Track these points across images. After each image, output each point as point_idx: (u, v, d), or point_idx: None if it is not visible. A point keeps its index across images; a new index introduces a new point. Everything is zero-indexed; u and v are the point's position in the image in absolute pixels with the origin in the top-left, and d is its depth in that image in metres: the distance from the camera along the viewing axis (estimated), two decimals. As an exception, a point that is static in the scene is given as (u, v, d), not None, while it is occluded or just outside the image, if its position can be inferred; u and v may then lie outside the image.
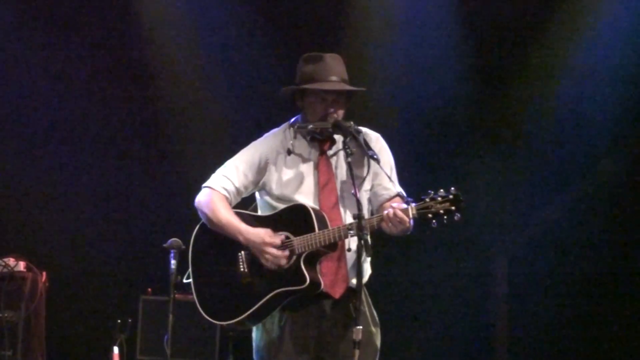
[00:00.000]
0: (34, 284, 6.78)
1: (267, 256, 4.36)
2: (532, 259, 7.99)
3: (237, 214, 4.50)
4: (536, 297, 8.02)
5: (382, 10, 7.65)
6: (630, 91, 7.62)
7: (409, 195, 4.39)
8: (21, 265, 6.81)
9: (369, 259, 4.48)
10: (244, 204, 4.63)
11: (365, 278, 4.50)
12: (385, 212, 4.26)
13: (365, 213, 4.44)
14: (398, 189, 4.48)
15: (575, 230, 7.83)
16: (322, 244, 4.31)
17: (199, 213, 4.54)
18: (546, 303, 7.99)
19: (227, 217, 4.45)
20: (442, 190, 4.23)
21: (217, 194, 4.50)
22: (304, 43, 7.27)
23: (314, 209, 4.38)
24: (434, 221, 4.20)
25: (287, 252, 4.35)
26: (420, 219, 4.23)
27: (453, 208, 4.19)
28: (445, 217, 4.19)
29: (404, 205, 4.26)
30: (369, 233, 4.21)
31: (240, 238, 4.41)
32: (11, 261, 6.78)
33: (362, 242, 4.14)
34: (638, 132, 7.76)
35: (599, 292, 7.87)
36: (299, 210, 4.38)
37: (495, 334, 8.11)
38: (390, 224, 4.24)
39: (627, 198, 7.77)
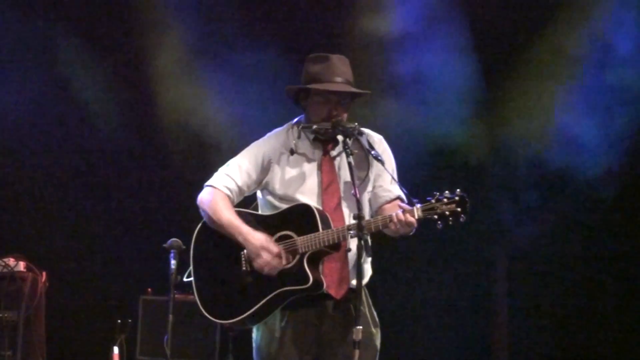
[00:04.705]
0: (34, 284, 6.77)
1: (261, 261, 4.35)
2: (532, 259, 7.99)
3: (239, 213, 4.49)
4: (536, 297, 8.02)
5: (383, 12, 7.65)
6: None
7: (411, 196, 4.39)
8: (21, 265, 6.80)
9: (369, 260, 4.48)
10: (246, 203, 4.63)
11: (366, 279, 4.51)
12: (393, 213, 4.25)
13: (367, 214, 4.45)
14: (398, 191, 4.48)
15: (575, 230, 7.82)
16: (326, 244, 4.31)
17: (201, 211, 4.54)
18: (546, 303, 7.99)
19: (228, 217, 4.45)
20: (447, 191, 4.23)
21: (219, 192, 4.50)
22: (307, 44, 7.27)
23: (317, 209, 4.37)
24: (439, 222, 4.21)
25: (283, 261, 4.35)
26: (426, 220, 4.23)
27: (459, 210, 4.19)
28: (450, 218, 4.20)
29: (409, 207, 4.25)
30: (369, 233, 4.21)
31: (240, 239, 4.40)
32: (11, 261, 6.78)
33: (362, 242, 4.14)
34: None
35: (599, 291, 7.87)
36: (302, 210, 4.38)
37: (495, 334, 8.11)
38: (399, 226, 4.24)
39: (628, 197, 7.76)
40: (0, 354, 6.63)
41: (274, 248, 4.36)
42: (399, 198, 4.46)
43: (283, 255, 4.38)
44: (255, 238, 4.38)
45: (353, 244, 4.27)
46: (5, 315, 6.68)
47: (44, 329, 6.85)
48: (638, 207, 7.80)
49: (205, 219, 4.53)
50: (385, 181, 4.51)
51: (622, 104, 7.54)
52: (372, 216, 4.46)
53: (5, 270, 6.74)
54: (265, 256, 4.34)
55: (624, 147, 7.68)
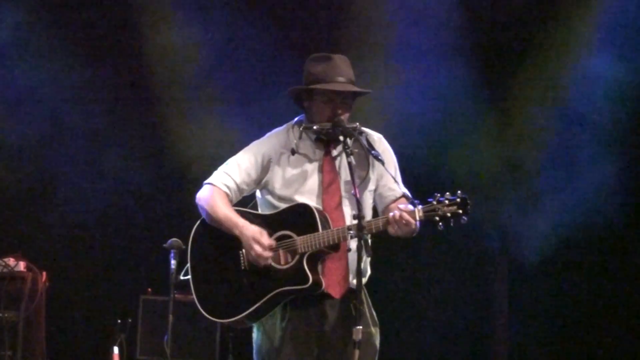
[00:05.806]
0: (34, 284, 6.77)
1: (253, 253, 4.34)
2: (532, 261, 7.99)
3: (238, 211, 4.48)
4: (536, 297, 8.02)
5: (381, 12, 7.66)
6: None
7: (412, 196, 4.38)
8: (21, 265, 6.80)
9: (369, 259, 4.48)
10: (243, 202, 4.62)
11: (365, 278, 4.50)
12: (391, 214, 4.24)
13: (369, 214, 4.45)
14: (403, 189, 4.47)
15: (575, 231, 7.82)
16: (326, 244, 4.30)
17: (199, 208, 4.52)
18: (546, 303, 7.99)
19: (225, 212, 4.43)
20: (448, 193, 4.22)
21: (217, 190, 4.49)
22: (306, 44, 7.29)
23: (317, 209, 4.36)
24: (440, 224, 4.20)
25: (271, 254, 4.33)
26: (427, 222, 4.23)
27: (460, 211, 4.18)
28: (452, 220, 4.19)
29: (411, 207, 4.24)
30: (369, 233, 4.21)
31: (236, 232, 4.39)
32: (11, 261, 6.78)
33: (362, 242, 4.13)
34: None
35: (599, 293, 7.87)
36: (302, 210, 4.37)
37: (495, 334, 8.11)
38: (396, 227, 4.24)
39: (629, 197, 7.76)
40: (0, 354, 6.63)
41: (265, 241, 4.34)
42: (404, 196, 4.46)
43: (281, 254, 4.37)
44: (249, 230, 4.36)
45: (353, 243, 4.27)
46: (5, 315, 6.68)
47: (44, 329, 6.85)
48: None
49: (203, 215, 4.51)
50: (389, 180, 4.49)
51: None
52: (377, 216, 4.45)
53: (5, 270, 6.74)
54: (257, 248, 4.33)
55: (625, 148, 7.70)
